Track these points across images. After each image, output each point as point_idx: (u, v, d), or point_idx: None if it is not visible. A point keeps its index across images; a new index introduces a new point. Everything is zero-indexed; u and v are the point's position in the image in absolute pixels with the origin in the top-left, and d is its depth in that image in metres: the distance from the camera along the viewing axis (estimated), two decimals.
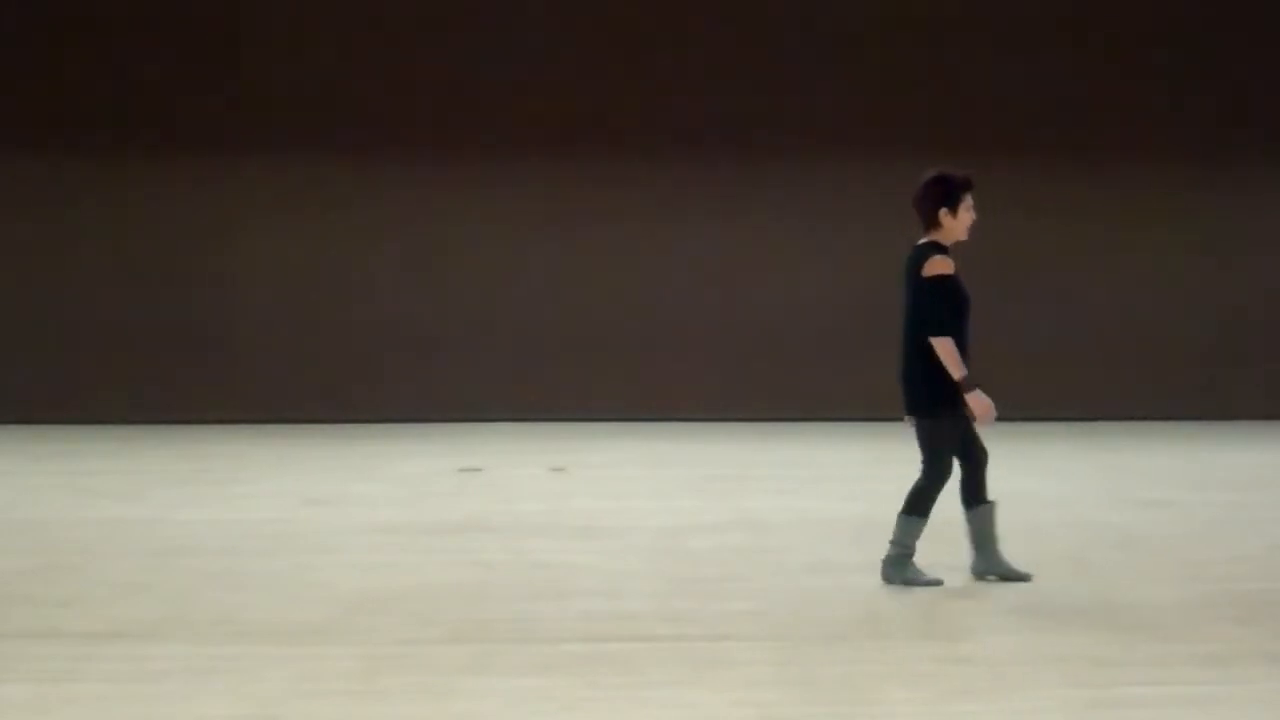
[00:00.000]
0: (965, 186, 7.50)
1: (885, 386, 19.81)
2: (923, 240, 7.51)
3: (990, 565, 7.58)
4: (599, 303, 18.04)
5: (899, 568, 7.48)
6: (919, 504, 7.48)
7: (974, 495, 7.58)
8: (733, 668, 5.92)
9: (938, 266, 7.37)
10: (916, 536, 7.50)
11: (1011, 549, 8.71)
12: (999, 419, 7.41)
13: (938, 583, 7.46)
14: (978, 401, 7.33)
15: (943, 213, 7.45)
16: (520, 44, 18.02)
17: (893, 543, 7.51)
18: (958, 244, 7.54)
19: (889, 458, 14.06)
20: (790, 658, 6.10)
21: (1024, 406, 18.00)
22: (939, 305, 7.34)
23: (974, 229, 7.56)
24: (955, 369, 7.32)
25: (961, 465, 7.62)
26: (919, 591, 7.37)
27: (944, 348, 7.33)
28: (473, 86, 17.94)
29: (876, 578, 7.61)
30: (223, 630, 6.56)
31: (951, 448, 7.50)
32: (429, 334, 17.95)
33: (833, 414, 17.61)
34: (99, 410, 17.50)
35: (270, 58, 17.82)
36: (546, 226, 18.03)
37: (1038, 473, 12.76)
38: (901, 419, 7.61)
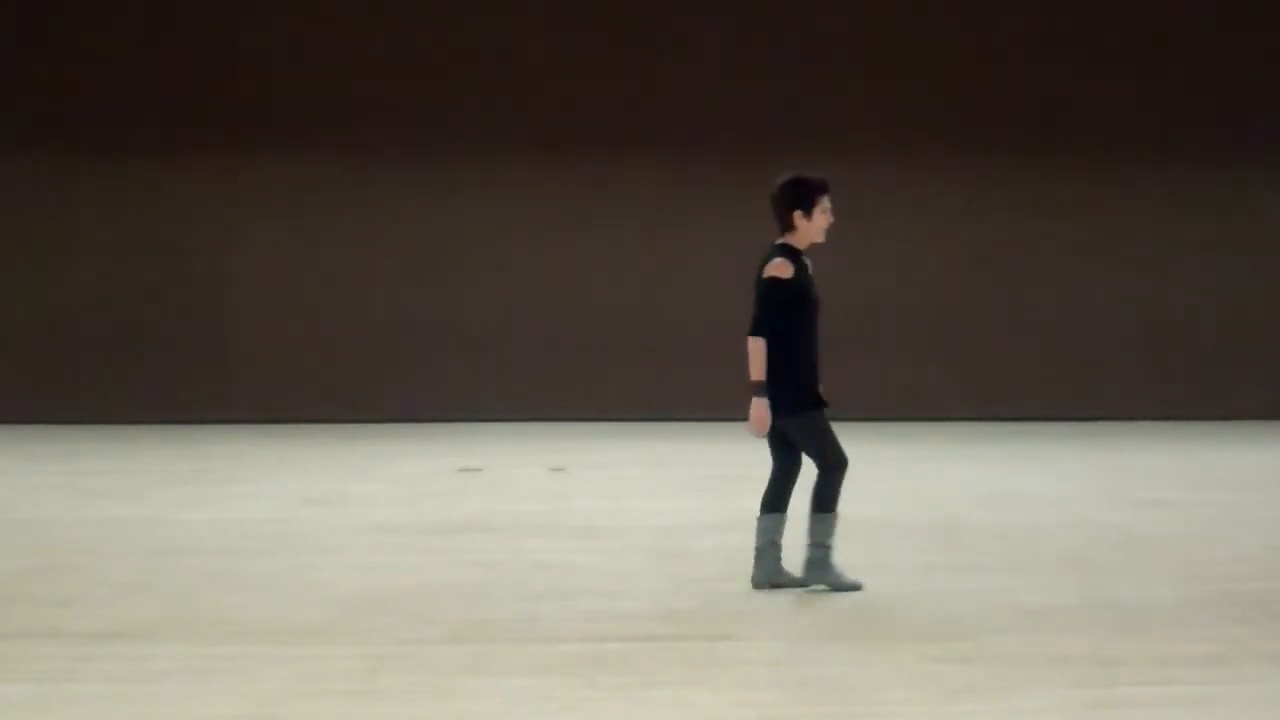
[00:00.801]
0: (820, 189, 7.46)
1: (886, 386, 19.86)
2: (777, 242, 7.46)
3: (769, 574, 7.45)
4: (599, 303, 18.04)
5: (821, 569, 7.37)
6: (826, 500, 7.39)
7: (773, 502, 7.50)
8: (733, 668, 5.92)
9: (775, 269, 7.34)
10: (832, 533, 7.40)
11: (1012, 549, 8.72)
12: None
13: (858, 586, 7.35)
14: (757, 410, 7.32)
15: (797, 215, 7.41)
16: (521, 44, 18.02)
17: (811, 545, 7.40)
18: (815, 246, 7.46)
19: (889, 457, 14.09)
20: (790, 658, 6.10)
21: (1024, 406, 18.05)
22: (765, 306, 7.32)
23: (831, 231, 7.48)
24: (755, 371, 7.32)
25: (775, 468, 7.53)
26: (919, 591, 7.37)
27: (755, 348, 7.35)
28: (474, 86, 17.93)
29: (877, 578, 7.60)
30: (222, 630, 6.56)
31: (833, 436, 7.41)
32: (429, 334, 17.95)
33: (832, 414, 17.57)
34: (99, 410, 17.49)
35: (270, 57, 17.82)
36: (547, 226, 18.03)
37: (1038, 473, 12.76)
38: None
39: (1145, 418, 17.77)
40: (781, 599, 7.27)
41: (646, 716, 5.25)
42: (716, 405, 17.85)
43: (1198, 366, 18.33)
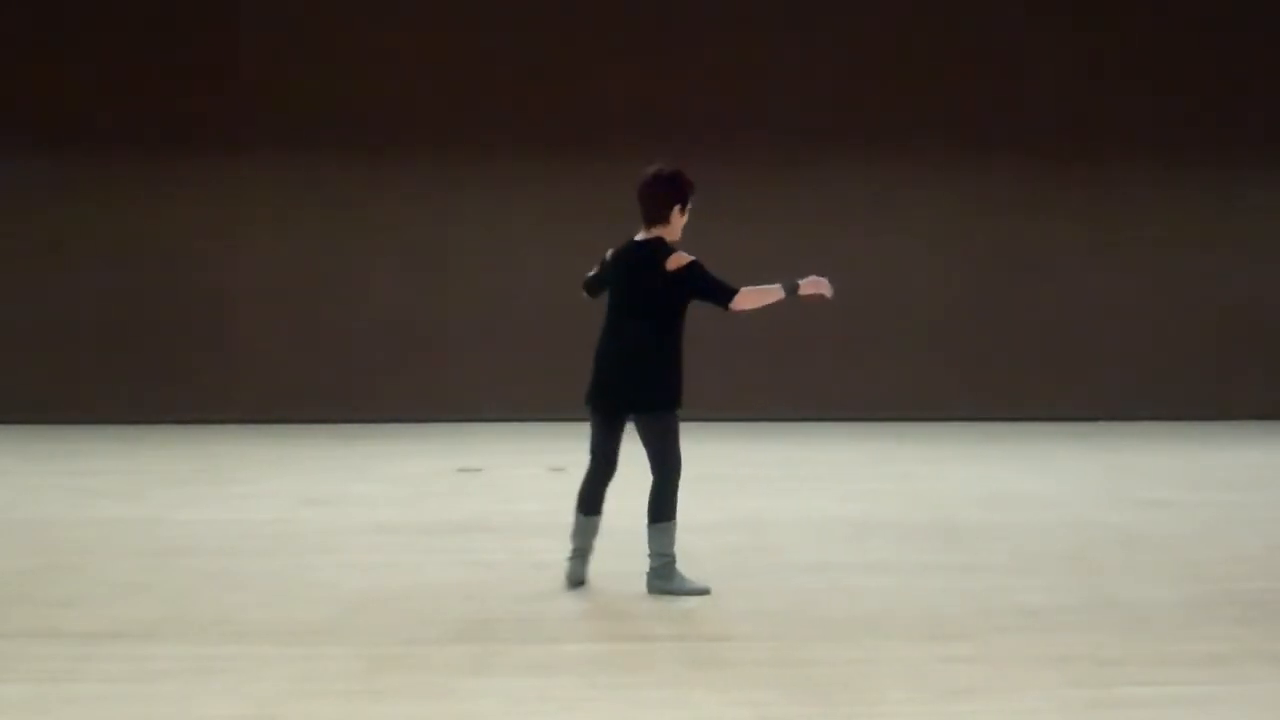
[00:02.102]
0: (692, 189, 7.39)
1: (886, 386, 19.77)
2: (645, 236, 7.34)
3: (581, 574, 7.50)
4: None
5: (665, 577, 7.30)
6: (663, 509, 7.29)
7: (594, 504, 7.51)
8: (732, 668, 5.92)
9: (685, 255, 7.22)
10: (673, 542, 7.31)
11: (1012, 549, 8.72)
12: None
13: (705, 590, 7.29)
14: (813, 283, 7.16)
15: (675, 210, 7.32)
16: (521, 44, 18.02)
17: (652, 555, 7.33)
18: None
19: (889, 458, 14.09)
20: (790, 658, 6.10)
21: (1024, 406, 18.05)
22: (711, 279, 7.20)
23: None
24: (773, 295, 7.17)
25: (599, 468, 7.48)
26: (919, 591, 7.36)
27: (751, 297, 7.17)
28: (473, 86, 17.93)
29: (877, 578, 7.59)
30: (222, 630, 6.56)
31: (678, 441, 7.29)
32: (429, 334, 17.95)
33: (833, 414, 17.62)
34: (99, 410, 17.50)
35: (270, 57, 17.82)
36: (546, 226, 18.03)
37: (1038, 473, 12.76)
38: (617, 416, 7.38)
39: (1145, 418, 17.77)
40: (780, 598, 7.26)
41: (646, 716, 5.26)
42: (715, 405, 17.88)
43: (1198, 366, 18.33)
